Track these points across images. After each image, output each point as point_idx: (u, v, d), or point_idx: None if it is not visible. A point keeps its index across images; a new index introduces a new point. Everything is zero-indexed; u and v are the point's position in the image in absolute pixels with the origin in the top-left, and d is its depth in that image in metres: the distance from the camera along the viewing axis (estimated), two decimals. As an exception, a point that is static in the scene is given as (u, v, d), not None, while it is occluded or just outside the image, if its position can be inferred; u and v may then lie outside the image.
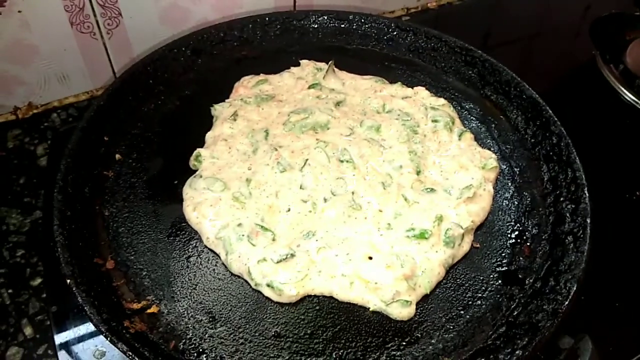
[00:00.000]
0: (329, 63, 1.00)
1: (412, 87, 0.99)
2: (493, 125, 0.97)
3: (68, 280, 0.68)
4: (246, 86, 0.97)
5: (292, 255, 0.74)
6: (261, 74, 1.00)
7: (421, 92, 0.98)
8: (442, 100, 0.97)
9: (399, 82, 1.00)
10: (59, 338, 0.74)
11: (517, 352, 0.67)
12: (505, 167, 0.91)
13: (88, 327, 0.74)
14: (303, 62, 1.03)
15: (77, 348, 0.73)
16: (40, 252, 0.84)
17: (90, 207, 0.81)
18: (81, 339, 0.73)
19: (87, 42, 1.02)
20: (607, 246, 0.86)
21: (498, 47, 1.27)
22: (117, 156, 0.88)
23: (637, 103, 1.10)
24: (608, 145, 1.06)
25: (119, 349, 0.63)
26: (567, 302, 0.70)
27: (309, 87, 0.98)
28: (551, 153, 0.89)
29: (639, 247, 0.89)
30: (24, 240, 0.86)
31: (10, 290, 0.80)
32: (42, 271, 0.82)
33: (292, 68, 1.02)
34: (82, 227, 0.76)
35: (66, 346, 0.73)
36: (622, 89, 1.13)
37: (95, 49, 1.04)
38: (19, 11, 0.92)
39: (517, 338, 0.69)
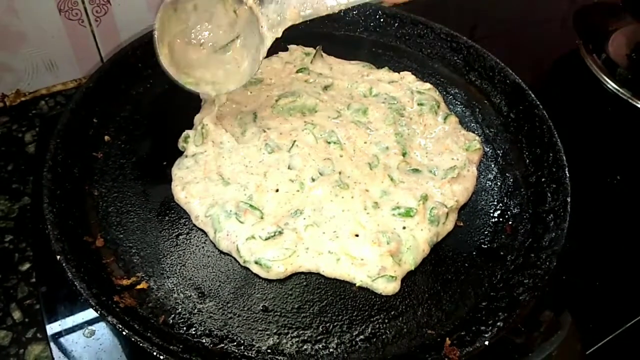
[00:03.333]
0: (317, 48, 1.01)
1: (399, 72, 1.01)
2: (477, 110, 0.99)
3: (58, 257, 0.68)
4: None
5: (280, 233, 0.76)
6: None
7: (407, 76, 1.00)
8: (427, 85, 0.99)
9: (386, 67, 1.02)
10: (49, 321, 0.74)
11: (498, 323, 0.69)
12: (488, 149, 0.93)
13: (77, 309, 0.74)
14: (291, 47, 1.04)
15: (66, 329, 0.73)
16: (29, 238, 0.84)
17: (80, 187, 0.81)
18: (71, 320, 0.74)
19: (75, 29, 1.03)
20: (588, 228, 0.88)
21: (484, 37, 1.29)
22: (106, 138, 0.89)
23: (619, 91, 1.13)
24: (591, 132, 1.09)
25: (108, 322, 0.64)
26: (547, 277, 0.72)
27: (297, 72, 0.99)
28: (533, 136, 0.91)
29: (618, 229, 0.92)
30: (12, 226, 0.86)
31: (-2, 275, 0.80)
32: (30, 256, 0.82)
33: (280, 53, 1.03)
34: (71, 206, 0.77)
35: (56, 328, 0.73)
36: (605, 77, 1.15)
37: (83, 36, 1.04)
38: (7, -3, 0.93)
39: (499, 311, 0.71)
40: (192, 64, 0.80)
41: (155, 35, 0.75)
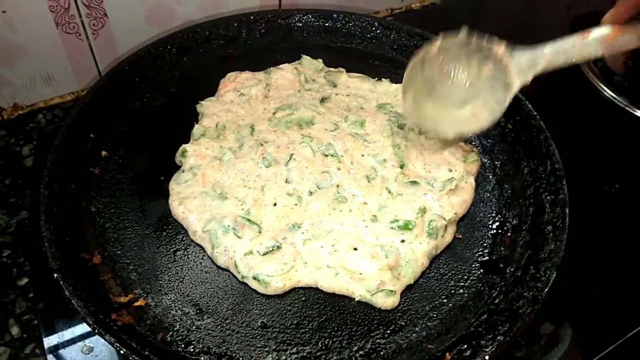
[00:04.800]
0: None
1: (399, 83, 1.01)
2: (475, 120, 0.99)
3: (55, 275, 0.68)
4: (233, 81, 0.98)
5: (278, 247, 0.75)
6: (246, 71, 1.01)
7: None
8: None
9: (388, 79, 1.02)
10: (47, 336, 0.74)
11: (498, 337, 0.68)
12: (486, 160, 0.93)
13: (76, 325, 0.74)
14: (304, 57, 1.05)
15: (65, 345, 0.73)
16: (27, 252, 0.84)
17: (77, 203, 0.81)
18: (69, 336, 0.74)
19: (73, 42, 1.03)
20: (587, 238, 0.88)
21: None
22: (104, 153, 0.89)
23: (616, 99, 1.13)
24: (588, 140, 1.09)
25: (106, 340, 0.63)
26: (546, 289, 0.71)
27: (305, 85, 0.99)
28: (531, 146, 0.91)
29: (618, 238, 0.92)
30: (10, 241, 0.86)
31: (-4, 290, 0.80)
32: (28, 271, 0.82)
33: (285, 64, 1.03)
34: (68, 223, 0.77)
35: (54, 344, 0.73)
36: (602, 85, 1.15)
37: (80, 50, 1.04)
38: (4, 11, 0.93)
39: (499, 324, 0.70)
40: (429, 113, 0.84)
41: (402, 87, 0.84)
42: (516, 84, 0.78)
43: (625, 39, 0.70)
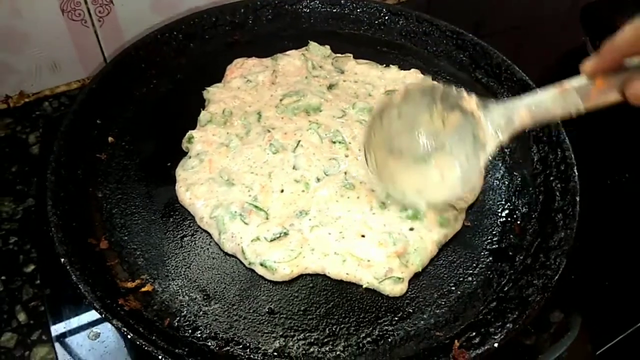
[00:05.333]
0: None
1: (408, 70, 1.00)
2: (484, 108, 0.98)
3: (62, 259, 0.68)
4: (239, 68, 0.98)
5: (286, 234, 0.75)
6: (253, 58, 1.01)
7: (415, 74, 0.99)
8: (435, 83, 0.98)
9: (397, 66, 1.00)
10: (54, 323, 0.73)
11: (507, 325, 0.68)
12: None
13: (82, 311, 0.74)
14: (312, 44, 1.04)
15: (71, 332, 0.73)
16: (33, 239, 0.84)
17: (84, 189, 0.81)
18: (75, 322, 0.73)
19: (79, 29, 1.02)
20: (596, 227, 0.87)
21: (489, 35, 1.28)
22: (110, 139, 0.88)
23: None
24: (598, 130, 1.07)
25: (113, 325, 0.63)
26: (556, 277, 0.70)
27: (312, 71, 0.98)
28: (541, 134, 0.90)
29: (628, 227, 0.91)
30: (16, 228, 0.86)
31: (3, 277, 0.80)
32: (35, 258, 0.82)
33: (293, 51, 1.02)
34: (75, 208, 0.76)
35: (61, 330, 0.73)
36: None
37: (86, 37, 1.04)
38: (10, -2, 0.92)
39: (508, 312, 0.70)
40: (392, 172, 0.74)
41: (363, 144, 0.73)
42: (491, 145, 0.67)
43: (611, 95, 0.57)
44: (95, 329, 0.73)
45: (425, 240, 0.76)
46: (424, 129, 0.72)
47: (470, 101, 0.68)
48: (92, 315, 0.73)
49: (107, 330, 0.72)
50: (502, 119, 0.66)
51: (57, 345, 0.72)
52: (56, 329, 0.73)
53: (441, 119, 0.71)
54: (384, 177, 0.73)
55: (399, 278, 0.72)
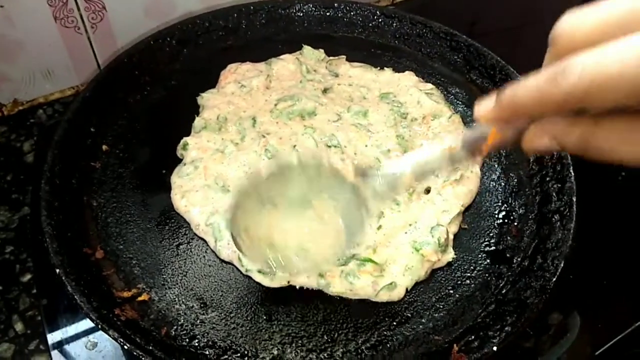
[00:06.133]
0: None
1: (402, 72, 1.00)
2: (479, 109, 0.98)
3: (57, 270, 0.67)
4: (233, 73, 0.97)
5: (282, 240, 0.74)
6: (247, 63, 1.00)
7: (410, 77, 0.98)
8: (429, 85, 0.98)
9: (391, 69, 1.00)
10: (50, 332, 0.73)
11: (506, 328, 0.67)
12: (492, 149, 0.91)
13: (79, 320, 0.74)
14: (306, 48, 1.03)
15: (68, 341, 0.73)
16: (29, 248, 0.83)
17: (78, 198, 0.80)
18: (72, 331, 0.73)
19: (72, 36, 1.02)
20: (593, 227, 0.87)
21: (484, 36, 1.28)
22: (104, 147, 0.88)
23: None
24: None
25: (110, 336, 0.63)
26: (554, 279, 0.70)
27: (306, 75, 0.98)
28: (537, 134, 0.90)
29: (625, 227, 0.91)
30: (12, 237, 0.85)
31: (0, 287, 0.79)
32: (31, 267, 0.81)
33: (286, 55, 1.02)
34: (70, 218, 0.76)
35: (58, 340, 0.73)
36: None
37: (79, 44, 1.03)
38: (1, 6, 0.91)
39: (506, 315, 0.69)
40: (268, 230, 0.65)
41: (229, 230, 0.65)
42: (374, 208, 0.62)
43: (504, 144, 0.47)
44: (92, 339, 0.73)
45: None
46: (296, 181, 0.64)
47: (348, 172, 0.62)
48: (89, 324, 0.73)
49: (104, 339, 0.72)
50: (385, 187, 0.59)
51: (54, 354, 0.71)
52: (53, 339, 0.73)
53: (316, 172, 0.64)
54: (261, 239, 0.65)
55: (392, 283, 0.72)
